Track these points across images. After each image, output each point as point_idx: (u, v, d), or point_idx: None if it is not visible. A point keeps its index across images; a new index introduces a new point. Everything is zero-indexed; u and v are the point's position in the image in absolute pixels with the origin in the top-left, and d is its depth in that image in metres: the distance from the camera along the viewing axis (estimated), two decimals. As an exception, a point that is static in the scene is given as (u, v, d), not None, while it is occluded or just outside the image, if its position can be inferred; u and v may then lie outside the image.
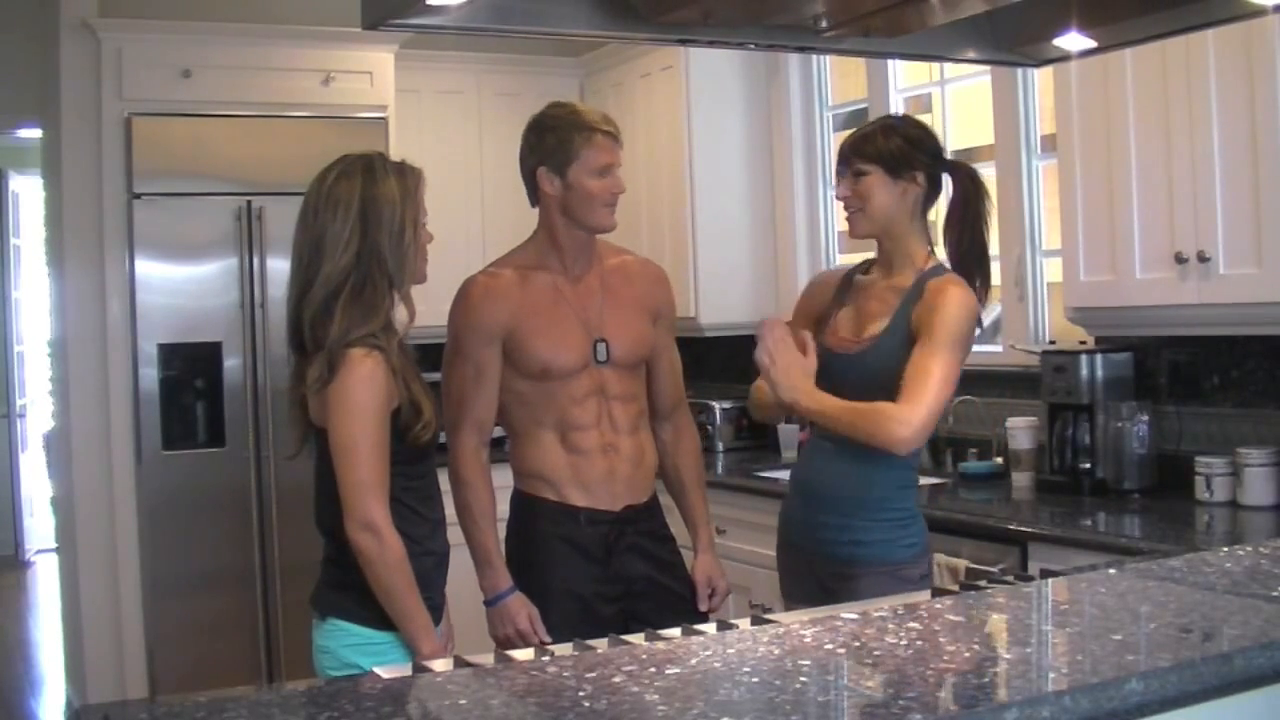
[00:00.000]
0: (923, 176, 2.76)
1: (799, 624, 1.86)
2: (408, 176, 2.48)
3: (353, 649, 2.45)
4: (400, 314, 2.51)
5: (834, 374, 2.69)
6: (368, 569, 2.38)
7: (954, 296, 2.66)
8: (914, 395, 2.58)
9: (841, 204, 2.83)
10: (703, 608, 2.99)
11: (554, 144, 2.85)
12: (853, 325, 2.81)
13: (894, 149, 2.74)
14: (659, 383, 3.06)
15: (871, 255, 2.90)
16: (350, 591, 2.43)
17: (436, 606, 2.52)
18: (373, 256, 2.41)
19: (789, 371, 2.65)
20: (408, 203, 2.44)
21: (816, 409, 2.66)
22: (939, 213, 2.89)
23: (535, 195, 2.93)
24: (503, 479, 2.97)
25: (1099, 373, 3.72)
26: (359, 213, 2.41)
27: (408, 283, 2.46)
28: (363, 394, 2.38)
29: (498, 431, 2.97)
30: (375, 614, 2.42)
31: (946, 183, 2.82)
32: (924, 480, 4.08)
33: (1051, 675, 1.61)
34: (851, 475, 2.74)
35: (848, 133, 2.88)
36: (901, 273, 2.78)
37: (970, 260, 2.78)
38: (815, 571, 2.80)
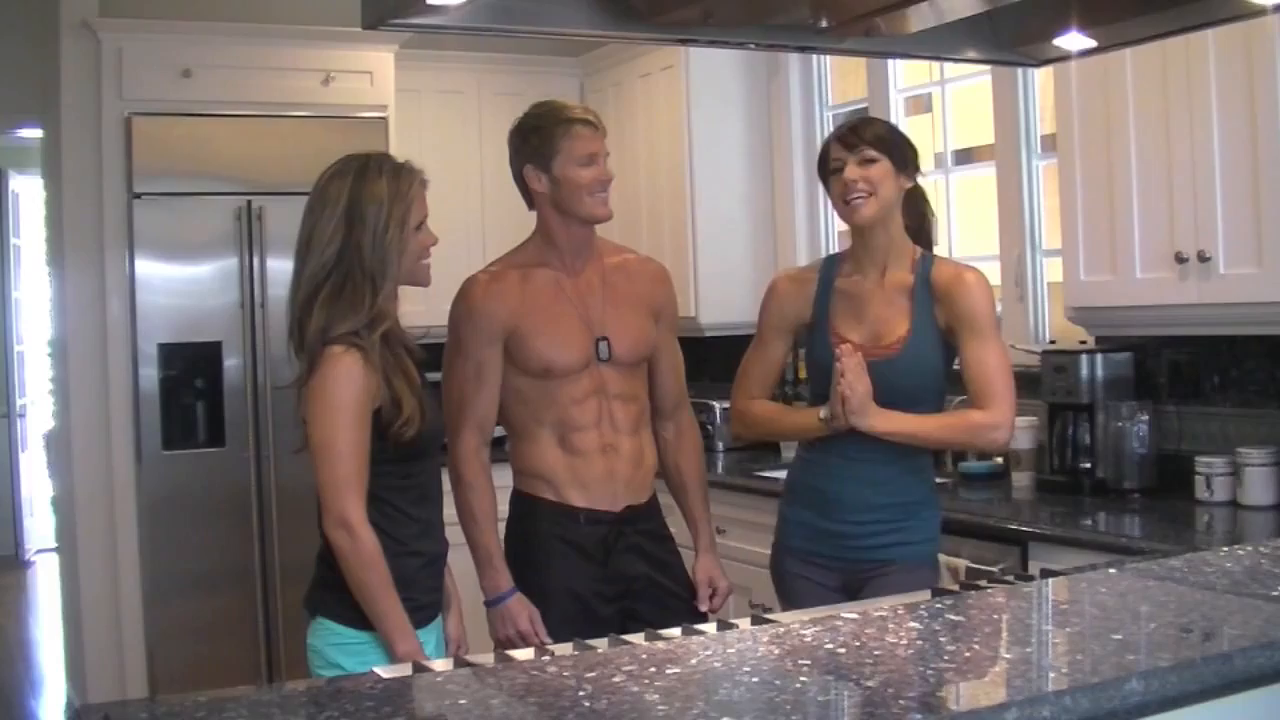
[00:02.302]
0: (908, 178, 2.81)
1: (799, 624, 1.86)
2: (402, 177, 2.47)
3: (336, 648, 2.44)
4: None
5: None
6: (343, 566, 2.38)
7: (977, 283, 2.76)
8: (995, 395, 2.71)
9: (845, 187, 2.74)
10: (703, 608, 2.99)
11: (536, 142, 2.87)
12: (868, 331, 2.80)
13: (900, 143, 2.79)
14: (661, 381, 3.06)
15: (832, 254, 2.95)
16: (335, 591, 2.43)
17: (424, 607, 2.51)
18: (354, 255, 2.41)
19: (865, 401, 2.68)
20: (395, 203, 2.43)
21: (894, 429, 2.72)
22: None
23: (529, 196, 2.94)
24: (502, 479, 2.97)
25: (1099, 373, 3.72)
26: (344, 211, 2.42)
27: (390, 283, 2.44)
28: (339, 391, 2.38)
29: (498, 431, 2.96)
30: (357, 613, 2.41)
31: None
32: (924, 480, 4.09)
33: (1051, 675, 1.61)
34: (900, 477, 2.80)
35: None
36: (897, 271, 2.80)
37: None
38: (840, 579, 2.80)
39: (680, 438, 3.11)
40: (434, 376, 2.60)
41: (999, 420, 2.71)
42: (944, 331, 2.76)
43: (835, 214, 3.00)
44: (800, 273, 3.01)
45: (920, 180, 2.87)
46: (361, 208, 2.42)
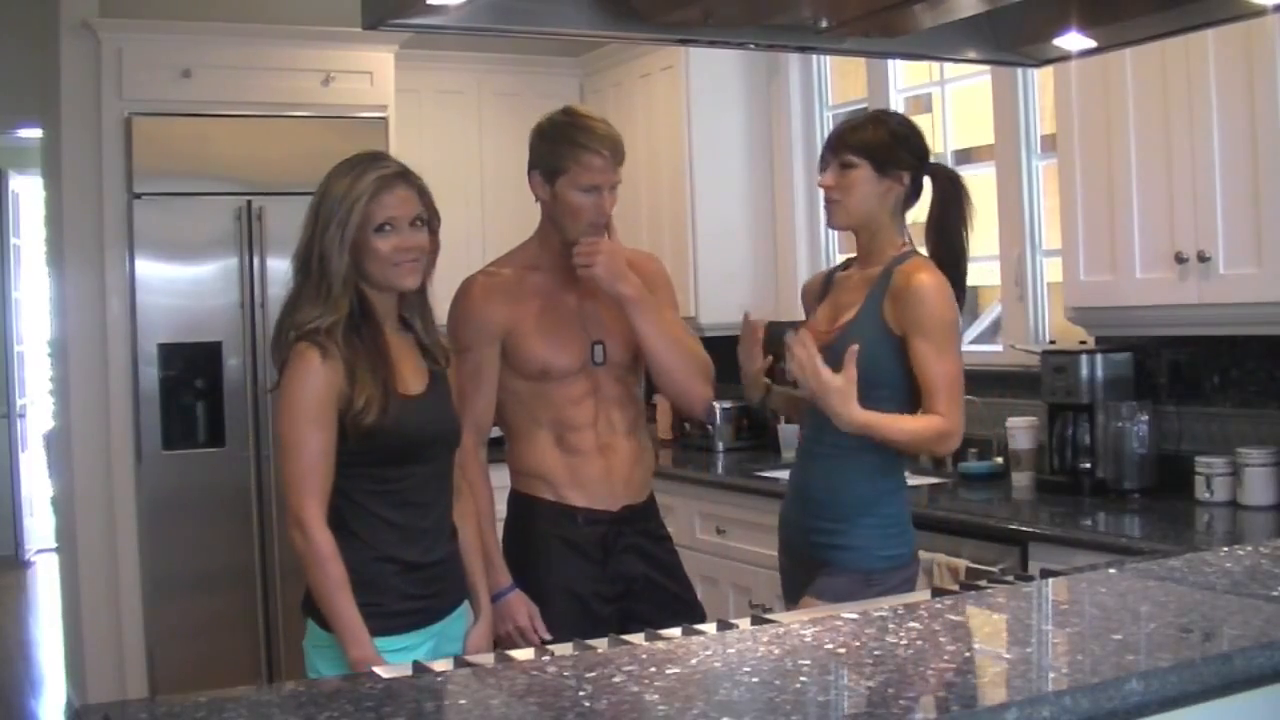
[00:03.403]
0: (908, 177, 2.77)
1: (799, 624, 1.86)
2: (362, 178, 2.42)
3: (316, 651, 2.44)
4: (383, 304, 2.50)
5: None
6: (301, 566, 2.38)
7: (929, 285, 2.67)
8: (944, 402, 2.65)
9: (822, 191, 2.82)
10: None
11: (546, 151, 2.83)
12: (826, 317, 2.84)
13: (884, 145, 2.75)
14: None
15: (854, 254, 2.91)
16: None
17: (397, 615, 2.44)
18: (311, 250, 2.43)
19: (824, 388, 2.61)
20: (342, 202, 2.40)
21: (862, 423, 2.63)
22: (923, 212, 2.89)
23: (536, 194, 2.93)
24: (500, 479, 2.97)
25: (1099, 373, 3.72)
26: (313, 208, 2.45)
27: (335, 281, 2.40)
28: (298, 390, 2.37)
29: (495, 431, 2.96)
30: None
31: (927, 186, 2.83)
32: (924, 480, 4.08)
33: (1051, 675, 1.61)
34: (839, 478, 2.77)
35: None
36: (876, 266, 2.79)
37: (946, 265, 2.77)
38: (808, 573, 2.80)
39: None
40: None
41: (952, 429, 2.67)
42: (890, 329, 2.70)
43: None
44: (826, 269, 3.19)
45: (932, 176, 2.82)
46: (318, 205, 2.44)
